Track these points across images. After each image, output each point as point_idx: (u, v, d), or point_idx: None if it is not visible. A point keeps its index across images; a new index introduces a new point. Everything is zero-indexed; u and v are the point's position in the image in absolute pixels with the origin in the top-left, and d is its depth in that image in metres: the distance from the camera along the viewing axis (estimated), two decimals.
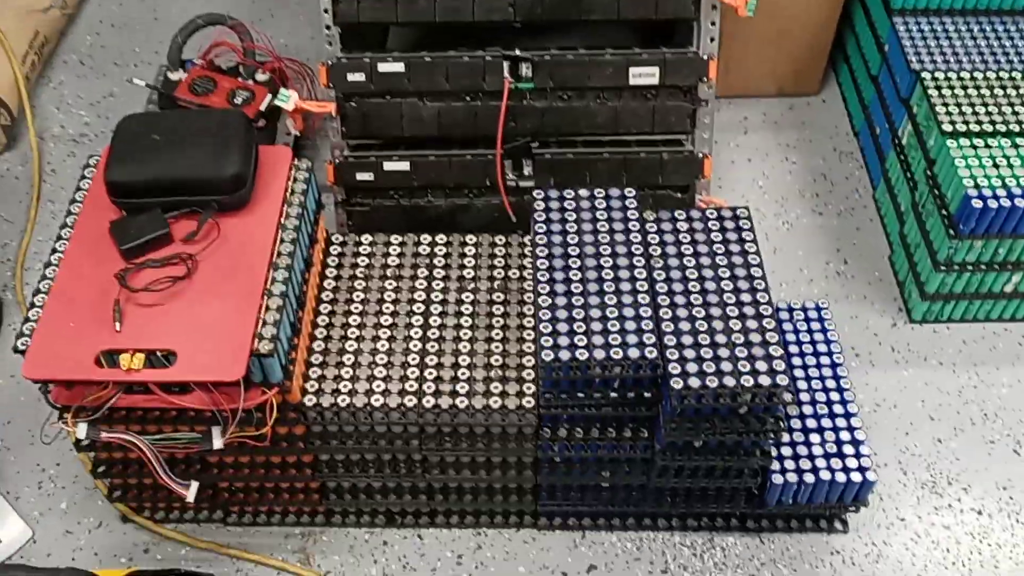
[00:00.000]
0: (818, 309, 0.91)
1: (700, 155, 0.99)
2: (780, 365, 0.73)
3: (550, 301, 0.76)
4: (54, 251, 0.74)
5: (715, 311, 0.76)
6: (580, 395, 0.76)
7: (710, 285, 0.78)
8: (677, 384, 0.72)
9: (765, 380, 0.72)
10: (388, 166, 0.99)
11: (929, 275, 0.97)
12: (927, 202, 0.97)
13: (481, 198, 1.01)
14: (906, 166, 1.03)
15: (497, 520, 0.87)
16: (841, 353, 0.87)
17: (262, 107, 1.04)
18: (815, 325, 0.90)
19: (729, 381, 0.72)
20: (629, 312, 0.75)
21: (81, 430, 0.69)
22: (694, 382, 0.72)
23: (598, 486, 0.83)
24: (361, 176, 1.00)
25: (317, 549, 0.86)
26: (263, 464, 0.81)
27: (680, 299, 0.77)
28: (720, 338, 0.74)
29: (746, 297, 0.77)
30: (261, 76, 1.08)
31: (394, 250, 0.86)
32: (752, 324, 0.75)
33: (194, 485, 0.74)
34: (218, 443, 0.71)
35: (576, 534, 0.87)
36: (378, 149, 1.00)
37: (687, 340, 0.74)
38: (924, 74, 1.00)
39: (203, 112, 0.91)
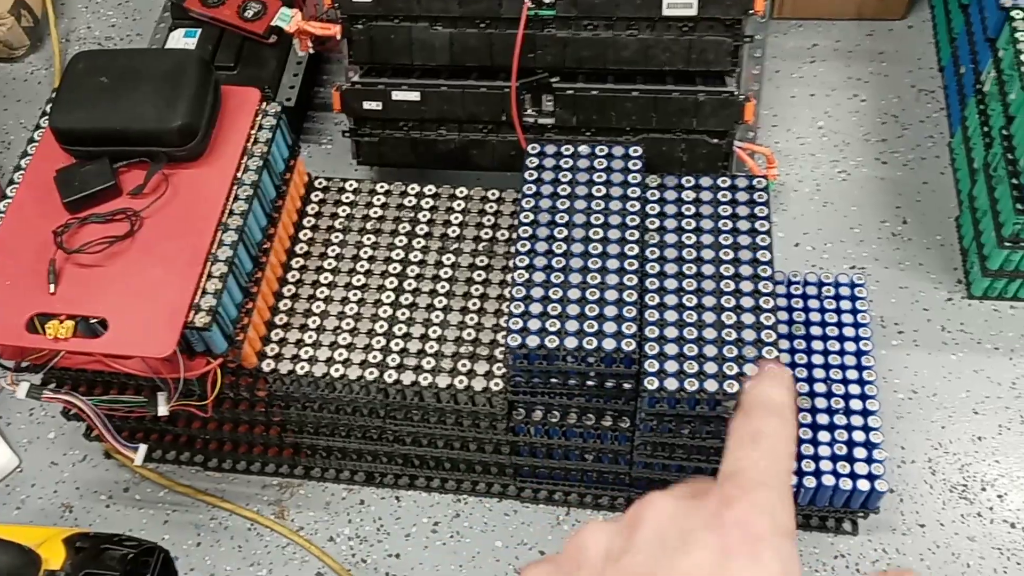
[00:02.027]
0: (852, 285, 0.81)
1: (741, 97, 0.88)
2: None
3: (526, 276, 0.69)
4: (3, 197, 0.70)
5: (708, 300, 0.68)
6: (554, 381, 0.69)
7: (707, 269, 0.69)
8: (651, 384, 0.64)
9: None
10: (397, 95, 0.92)
11: (992, 250, 0.85)
12: (999, 165, 0.84)
13: (497, 134, 0.93)
14: (985, 117, 0.90)
15: (479, 488, 0.82)
16: (870, 340, 0.78)
17: (274, 22, 0.97)
18: (846, 304, 0.80)
19: (711, 385, 0.64)
20: (612, 295, 0.67)
21: (21, 390, 0.67)
22: (671, 384, 0.64)
23: (580, 469, 0.77)
24: (368, 105, 0.93)
25: (293, 503, 0.84)
26: (231, 419, 0.78)
27: (671, 283, 0.69)
28: (709, 333, 0.66)
29: (746, 286, 0.68)
30: None
31: (378, 200, 0.79)
32: (748, 319, 0.66)
33: (142, 448, 0.71)
34: (163, 410, 0.68)
35: (560, 510, 0.82)
36: (389, 76, 0.93)
37: (671, 332, 0.66)
38: (1015, 13, 0.85)
39: (157, 53, 0.85)
